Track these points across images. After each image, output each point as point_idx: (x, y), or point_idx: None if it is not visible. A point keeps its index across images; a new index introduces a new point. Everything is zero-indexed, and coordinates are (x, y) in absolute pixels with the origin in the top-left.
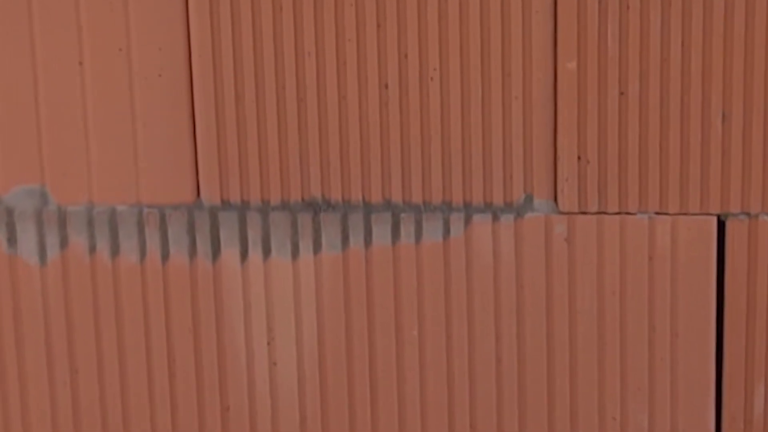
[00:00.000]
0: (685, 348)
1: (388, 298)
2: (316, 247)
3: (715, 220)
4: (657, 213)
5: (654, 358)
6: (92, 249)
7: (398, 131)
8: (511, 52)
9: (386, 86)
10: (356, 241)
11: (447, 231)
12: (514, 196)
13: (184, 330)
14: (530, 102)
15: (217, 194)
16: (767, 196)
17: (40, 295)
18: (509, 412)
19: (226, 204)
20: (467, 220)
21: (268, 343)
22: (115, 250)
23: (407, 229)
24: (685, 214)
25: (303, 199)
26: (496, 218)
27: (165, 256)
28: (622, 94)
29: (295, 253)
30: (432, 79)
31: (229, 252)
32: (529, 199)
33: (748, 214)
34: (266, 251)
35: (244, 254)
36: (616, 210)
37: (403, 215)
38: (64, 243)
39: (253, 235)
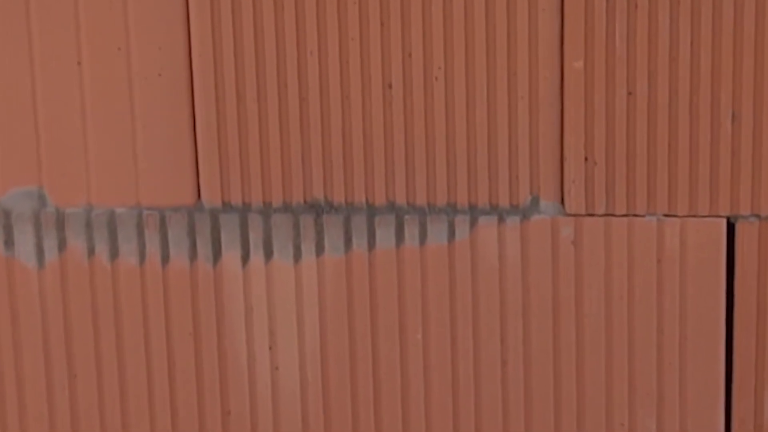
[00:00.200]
0: (694, 352)
1: (392, 302)
2: (319, 250)
3: (724, 222)
4: (665, 215)
5: (662, 363)
6: (91, 252)
7: (402, 131)
8: (517, 50)
9: (390, 86)
10: (359, 243)
11: (452, 233)
12: (520, 198)
13: (185, 334)
14: (536, 102)
15: (218, 196)
16: None
17: (37, 298)
18: (515, 418)
19: (227, 206)
20: (472, 223)
21: (270, 348)
22: (114, 253)
23: (411, 232)
24: (694, 216)
25: (305, 201)
26: (501, 220)
27: (165, 259)
28: (630, 93)
29: (297, 255)
30: (437, 78)
31: (230, 255)
32: (535, 200)
33: (758, 216)
34: (268, 254)
35: (245, 257)
36: (624, 212)
37: (407, 217)
38: (62, 246)
39: (255, 237)
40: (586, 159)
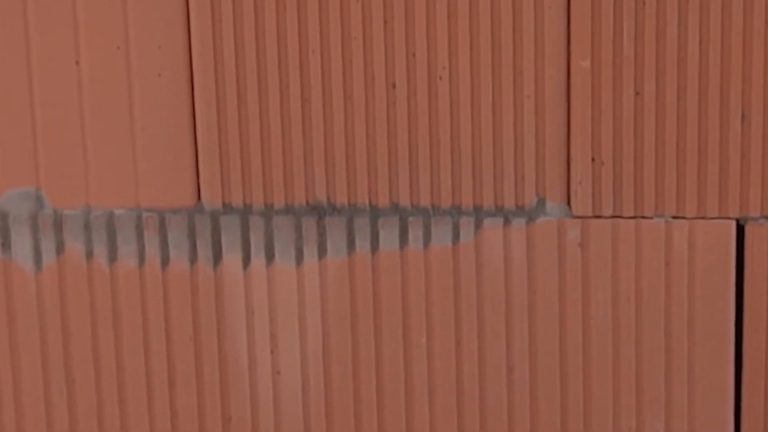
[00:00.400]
0: (702, 356)
1: (396, 305)
2: (321, 252)
3: (733, 224)
4: (674, 217)
5: (671, 367)
6: (89, 254)
7: (406, 132)
8: (523, 49)
9: (394, 85)
10: (362, 246)
11: (456, 235)
12: (525, 200)
13: (185, 338)
14: (542, 101)
15: (219, 197)
16: None
17: (35, 302)
18: (521, 422)
19: (227, 207)
20: (477, 225)
21: (272, 352)
22: (113, 256)
23: (415, 234)
24: (702, 218)
25: (307, 203)
26: (507, 222)
27: (165, 261)
28: (637, 93)
29: (299, 258)
30: (441, 78)
31: (231, 257)
32: (541, 202)
33: None
34: (269, 256)
35: (246, 260)
36: (632, 214)
37: (411, 219)
38: (60, 248)
39: (256, 239)
40: (593, 160)
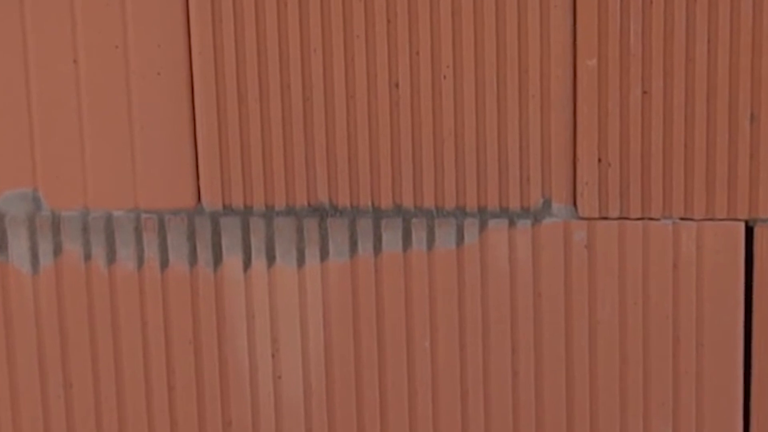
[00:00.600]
0: (711, 360)
1: (399, 308)
2: (323, 255)
3: (742, 225)
4: (682, 218)
5: (678, 371)
6: (87, 256)
7: (409, 132)
8: (528, 48)
9: (397, 85)
10: (365, 248)
11: (461, 237)
12: (531, 201)
13: (184, 341)
14: (548, 101)
15: (219, 199)
16: None
17: (32, 304)
18: (526, 427)
19: (228, 209)
20: (482, 226)
21: (273, 355)
22: (111, 258)
23: (419, 236)
24: (711, 219)
25: (309, 204)
26: (512, 224)
27: (164, 263)
28: (645, 93)
29: (300, 260)
30: (445, 77)
31: (232, 259)
32: (547, 203)
33: None
34: (270, 259)
35: (247, 262)
36: (639, 215)
37: (414, 221)
38: (57, 250)
39: (257, 241)
40: (599, 160)
